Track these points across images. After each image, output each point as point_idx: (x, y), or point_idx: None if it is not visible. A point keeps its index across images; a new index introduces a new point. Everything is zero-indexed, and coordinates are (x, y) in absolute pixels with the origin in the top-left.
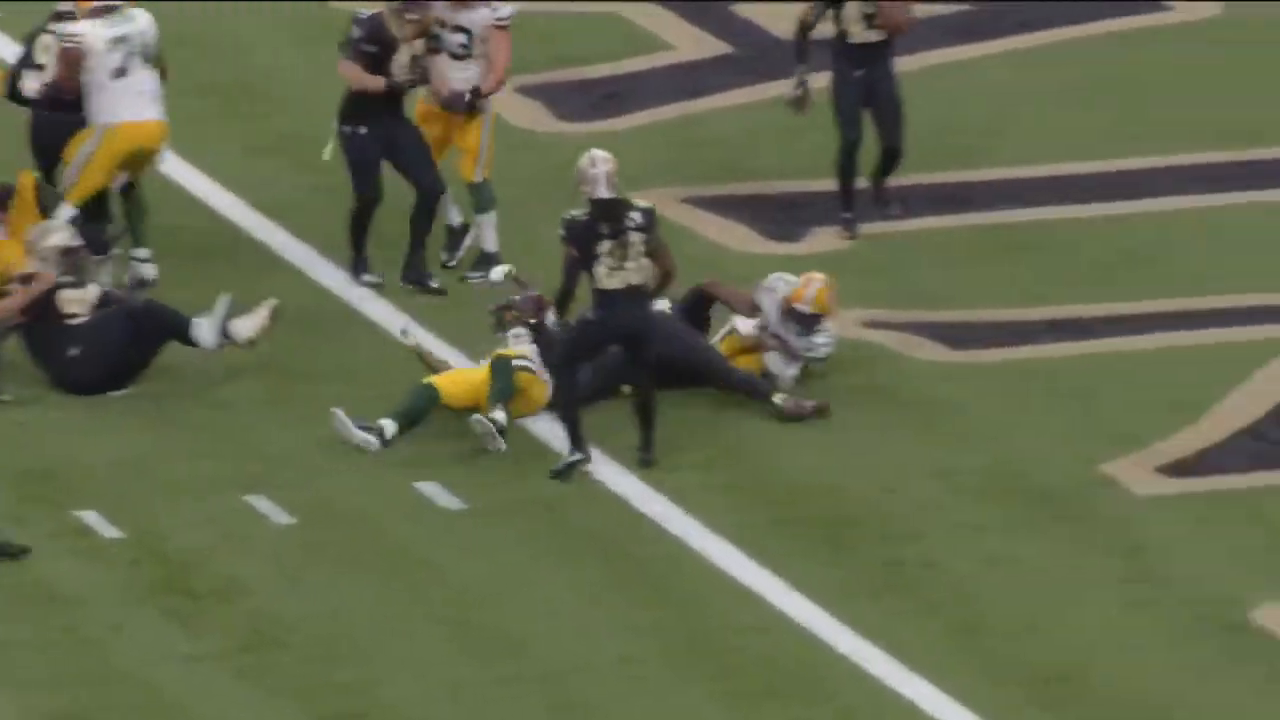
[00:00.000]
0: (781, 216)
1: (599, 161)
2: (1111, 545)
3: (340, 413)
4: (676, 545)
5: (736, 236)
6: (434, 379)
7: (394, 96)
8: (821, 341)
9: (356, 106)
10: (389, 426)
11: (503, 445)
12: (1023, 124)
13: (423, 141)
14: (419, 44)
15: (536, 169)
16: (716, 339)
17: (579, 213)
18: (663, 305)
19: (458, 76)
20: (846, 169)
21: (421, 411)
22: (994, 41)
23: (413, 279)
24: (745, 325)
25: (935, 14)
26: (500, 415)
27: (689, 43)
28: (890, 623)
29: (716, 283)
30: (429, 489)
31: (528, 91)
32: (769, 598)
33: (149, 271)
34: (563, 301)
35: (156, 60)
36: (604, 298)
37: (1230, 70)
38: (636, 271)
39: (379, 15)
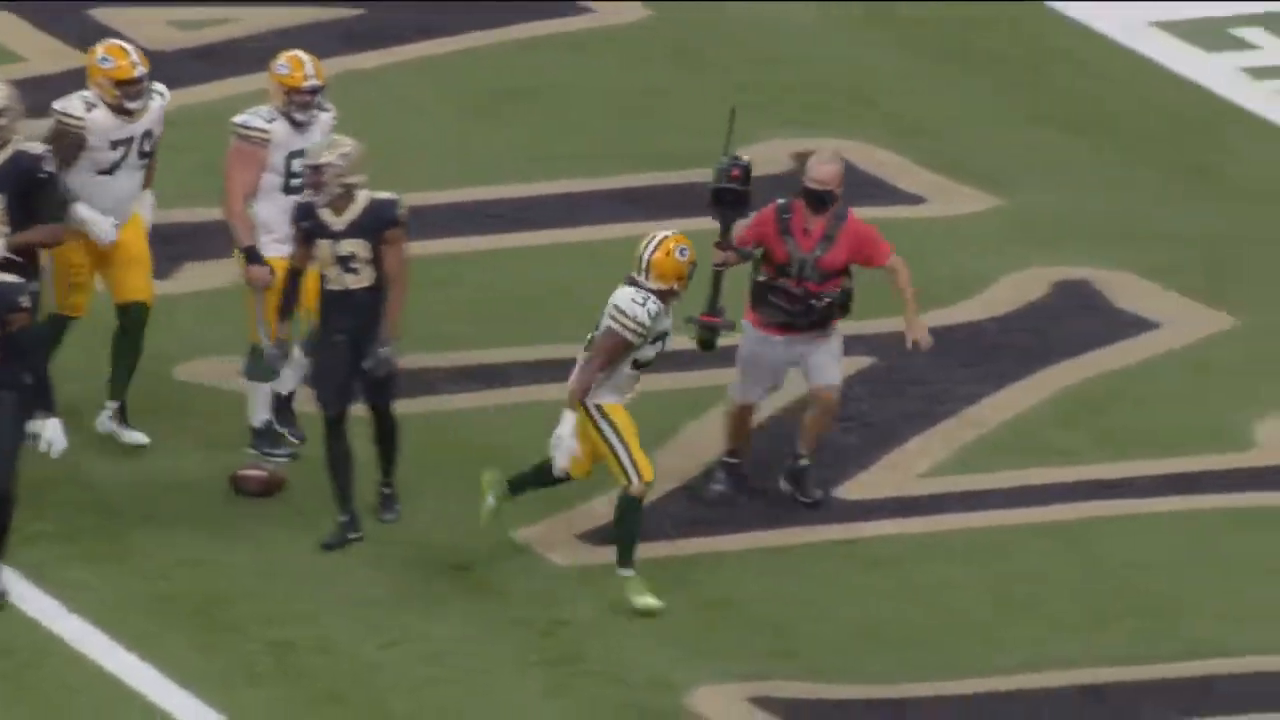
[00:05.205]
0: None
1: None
2: (528, 621)
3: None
4: (32, 629)
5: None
6: None
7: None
8: None
9: None
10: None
11: None
12: (429, 143)
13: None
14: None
15: None
16: None
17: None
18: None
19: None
20: None
21: None
22: (393, 49)
23: None
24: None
25: (325, 18)
26: None
27: (43, 55)
28: (279, 714)
29: None
30: None
31: None
32: (140, 687)
33: None
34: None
35: None
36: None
37: (659, 81)
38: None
39: None
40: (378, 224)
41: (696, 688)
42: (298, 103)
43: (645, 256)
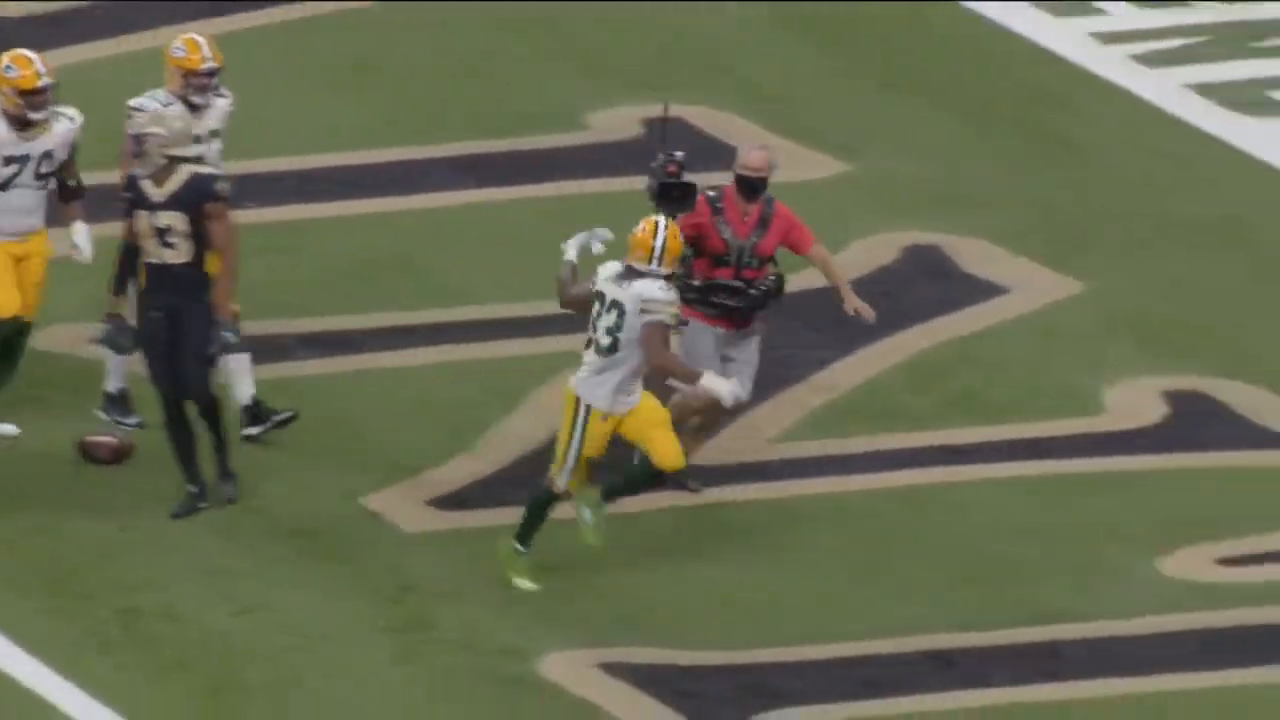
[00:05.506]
0: None
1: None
2: (379, 589)
3: None
4: None
5: None
6: None
7: None
8: None
9: None
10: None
11: None
12: (272, 111)
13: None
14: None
15: None
16: None
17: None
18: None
19: None
20: None
21: None
22: (237, 17)
23: None
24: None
25: None
26: None
27: None
28: (127, 682)
29: None
30: None
31: None
32: None
33: None
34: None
35: None
36: None
37: (505, 47)
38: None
39: None
40: (196, 197)
41: (547, 654)
42: (195, 85)
43: (658, 245)
